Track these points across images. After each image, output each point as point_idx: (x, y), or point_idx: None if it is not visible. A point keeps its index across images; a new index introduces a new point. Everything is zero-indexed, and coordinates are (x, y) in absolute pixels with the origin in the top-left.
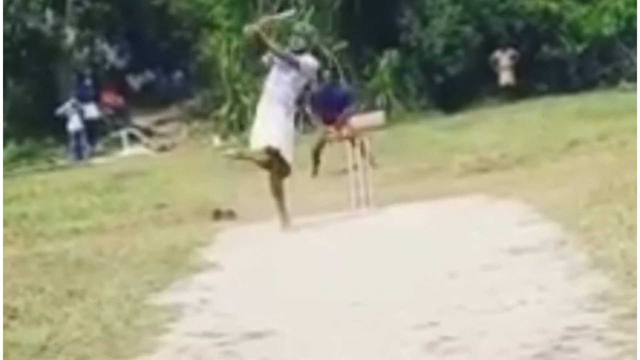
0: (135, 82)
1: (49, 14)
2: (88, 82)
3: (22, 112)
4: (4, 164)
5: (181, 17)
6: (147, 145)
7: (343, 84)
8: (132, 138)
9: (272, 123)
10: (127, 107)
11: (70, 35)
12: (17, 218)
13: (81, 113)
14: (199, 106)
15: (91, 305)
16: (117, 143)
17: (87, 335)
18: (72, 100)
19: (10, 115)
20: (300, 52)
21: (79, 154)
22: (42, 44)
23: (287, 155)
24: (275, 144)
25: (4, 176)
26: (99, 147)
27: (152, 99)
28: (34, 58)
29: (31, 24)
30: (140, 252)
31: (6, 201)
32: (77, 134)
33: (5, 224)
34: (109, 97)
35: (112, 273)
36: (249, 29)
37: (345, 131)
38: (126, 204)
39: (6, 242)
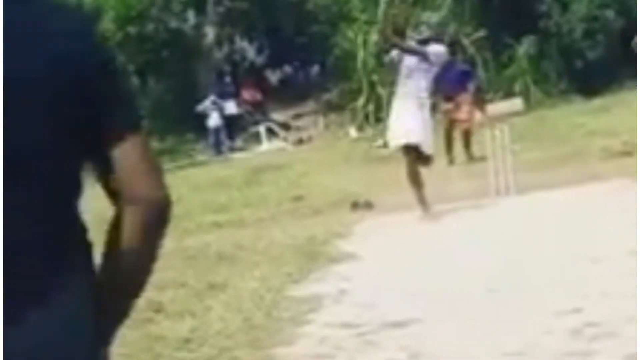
0: (273, 77)
1: (190, 13)
2: (227, 79)
3: (163, 110)
4: None
5: (318, 11)
6: (285, 139)
7: (459, 63)
8: (270, 132)
9: (407, 118)
10: (265, 102)
11: (210, 33)
12: None
13: (221, 110)
14: (336, 99)
15: (232, 297)
16: (256, 138)
17: (229, 328)
18: (212, 98)
19: (152, 113)
20: (426, 41)
21: (218, 149)
22: (183, 43)
23: (426, 147)
24: (413, 139)
25: None
26: (238, 142)
27: (290, 93)
28: (175, 57)
29: (173, 24)
30: (279, 245)
31: None
32: (217, 130)
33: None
34: (248, 93)
35: (252, 266)
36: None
37: (477, 115)
38: (265, 198)
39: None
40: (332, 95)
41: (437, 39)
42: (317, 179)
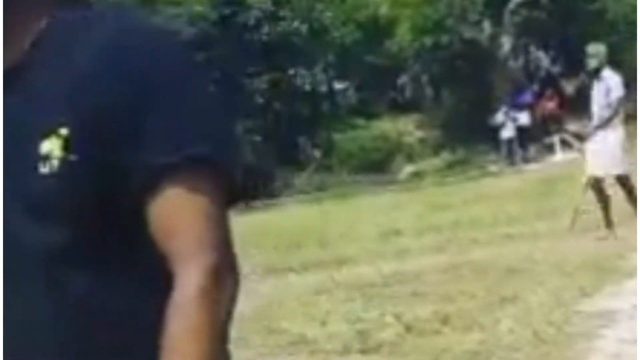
0: (569, 87)
1: (486, 24)
2: (525, 90)
3: (456, 121)
4: (438, 171)
5: (618, 20)
6: (579, 151)
7: None
8: (564, 143)
9: None
10: (560, 112)
11: (506, 44)
12: (450, 225)
13: (514, 121)
14: (633, 109)
15: (522, 311)
16: (549, 149)
17: (518, 341)
18: (505, 109)
19: (445, 124)
20: (596, 71)
21: (511, 160)
22: (478, 53)
23: None
24: None
25: (437, 184)
26: (530, 153)
27: (586, 103)
28: (469, 68)
29: (468, 34)
30: (572, 258)
31: (439, 208)
32: (509, 141)
33: (438, 231)
34: (543, 104)
35: (543, 279)
36: None
37: None
38: (557, 210)
39: (439, 249)
40: (630, 106)
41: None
42: (612, 191)
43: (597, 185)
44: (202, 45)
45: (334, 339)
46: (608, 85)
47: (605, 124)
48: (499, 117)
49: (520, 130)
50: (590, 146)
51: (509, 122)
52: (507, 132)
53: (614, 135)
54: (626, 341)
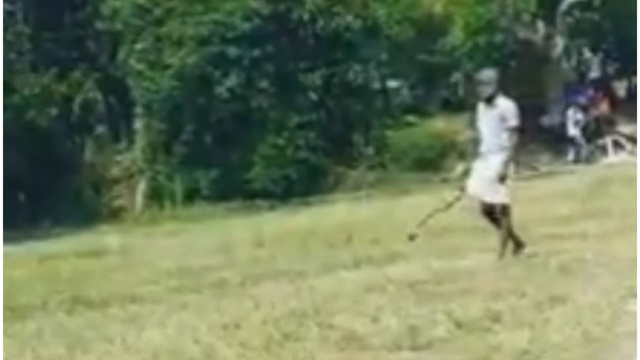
0: (621, 89)
1: (540, 24)
2: (576, 90)
3: None
4: None
5: None
6: (631, 152)
7: None
8: (617, 145)
9: None
10: (612, 114)
11: (559, 44)
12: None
13: (576, 123)
14: None
15: (571, 310)
16: (602, 150)
17: (568, 341)
18: (572, 108)
19: None
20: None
21: (566, 160)
22: (532, 53)
23: None
24: None
25: None
26: (583, 154)
27: (637, 105)
28: (523, 68)
29: (522, 34)
30: (622, 258)
31: None
32: (572, 141)
33: (488, 229)
34: (595, 105)
35: (593, 279)
36: None
37: None
38: (608, 210)
39: (490, 247)
40: None
41: None
42: None
43: None
44: (257, 41)
45: (384, 335)
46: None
47: None
48: (553, 117)
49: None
50: None
51: (571, 121)
52: (572, 131)
53: None
54: None
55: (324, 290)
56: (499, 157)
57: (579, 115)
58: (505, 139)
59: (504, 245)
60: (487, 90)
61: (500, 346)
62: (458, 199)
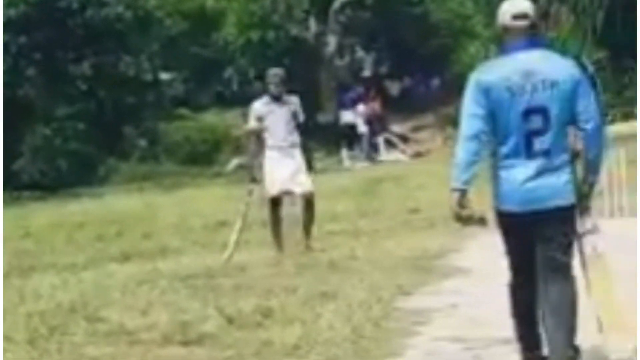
0: (393, 88)
1: (312, 22)
2: (348, 89)
3: None
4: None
5: (441, 25)
6: (403, 152)
7: None
8: (389, 144)
9: None
10: (384, 113)
11: (332, 42)
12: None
13: (339, 119)
14: (455, 113)
15: (342, 306)
16: (374, 149)
17: (337, 336)
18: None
19: None
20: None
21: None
22: (305, 51)
23: None
24: None
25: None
26: (356, 152)
27: (410, 105)
28: (297, 65)
29: (295, 31)
30: (393, 256)
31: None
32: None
33: (264, 224)
34: (367, 104)
35: (364, 276)
36: None
37: None
38: (380, 208)
39: (264, 243)
40: (451, 109)
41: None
42: (433, 192)
43: None
44: (24, 28)
45: (154, 330)
46: (292, 108)
47: None
48: (326, 115)
49: (346, 129)
50: None
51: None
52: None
53: None
54: (441, 339)
55: (93, 284)
56: (297, 151)
57: (342, 114)
58: (297, 134)
59: (308, 235)
60: (279, 87)
61: (271, 341)
62: (251, 193)
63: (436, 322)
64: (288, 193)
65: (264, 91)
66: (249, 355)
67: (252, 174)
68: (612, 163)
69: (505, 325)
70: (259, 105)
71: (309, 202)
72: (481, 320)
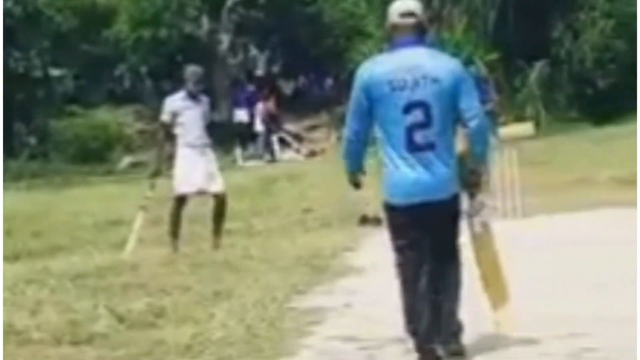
0: (287, 87)
1: (205, 20)
2: (242, 87)
3: None
4: None
5: (334, 25)
6: (297, 151)
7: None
8: (283, 143)
9: None
10: (278, 112)
11: (225, 41)
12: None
13: (233, 118)
14: None
15: (236, 306)
16: (269, 147)
17: (231, 336)
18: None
19: None
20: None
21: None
22: (198, 49)
23: None
24: None
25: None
26: (250, 151)
27: (304, 104)
28: (190, 63)
29: (187, 29)
30: (287, 255)
31: (161, 202)
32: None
33: (157, 224)
34: (261, 103)
35: (258, 275)
36: None
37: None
38: (275, 208)
39: (156, 241)
40: (345, 109)
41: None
42: (327, 192)
43: None
44: None
45: (44, 330)
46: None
47: None
48: (220, 113)
49: (240, 127)
50: None
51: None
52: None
53: None
54: (335, 338)
55: None
56: (209, 150)
57: (236, 113)
58: (207, 134)
59: (218, 234)
60: (197, 86)
61: (163, 341)
62: (152, 186)
63: (330, 321)
64: (202, 193)
65: (156, 88)
66: (141, 355)
67: (157, 168)
68: (505, 165)
69: (399, 324)
70: (175, 100)
71: (222, 202)
72: (375, 319)
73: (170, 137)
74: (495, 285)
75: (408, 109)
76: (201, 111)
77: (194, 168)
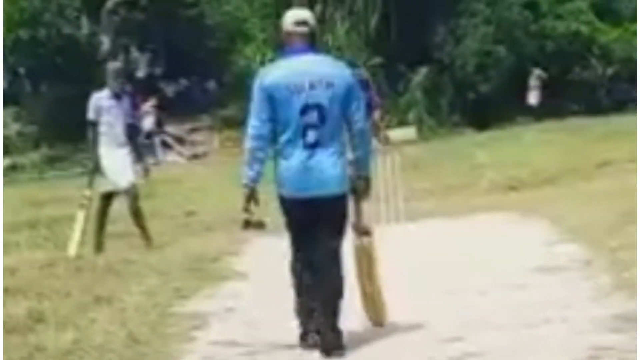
0: (169, 90)
1: (85, 21)
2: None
3: (55, 116)
4: (36, 166)
5: (216, 27)
6: (180, 154)
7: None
8: (165, 145)
9: None
10: (160, 115)
11: (106, 42)
12: (48, 222)
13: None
14: (232, 115)
15: (117, 311)
16: (150, 150)
17: (112, 341)
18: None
19: (44, 120)
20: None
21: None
22: (78, 50)
23: None
24: None
25: (35, 179)
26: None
27: (186, 107)
28: (70, 64)
29: (67, 30)
30: (169, 260)
31: (39, 205)
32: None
33: (34, 227)
34: (142, 105)
35: (140, 280)
36: None
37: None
38: (157, 211)
39: (36, 245)
40: (228, 112)
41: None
42: (210, 195)
43: None
44: None
45: None
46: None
47: None
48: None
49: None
50: None
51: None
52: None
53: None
54: (217, 343)
55: None
56: (128, 149)
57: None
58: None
59: (145, 229)
60: (120, 84)
61: (43, 346)
62: (92, 179)
63: (213, 326)
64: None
65: (35, 90)
66: None
67: (94, 165)
68: (387, 170)
69: (282, 328)
70: (100, 98)
71: (137, 198)
72: (258, 324)
73: (96, 135)
74: (375, 302)
75: (304, 110)
76: (123, 110)
77: (120, 166)
